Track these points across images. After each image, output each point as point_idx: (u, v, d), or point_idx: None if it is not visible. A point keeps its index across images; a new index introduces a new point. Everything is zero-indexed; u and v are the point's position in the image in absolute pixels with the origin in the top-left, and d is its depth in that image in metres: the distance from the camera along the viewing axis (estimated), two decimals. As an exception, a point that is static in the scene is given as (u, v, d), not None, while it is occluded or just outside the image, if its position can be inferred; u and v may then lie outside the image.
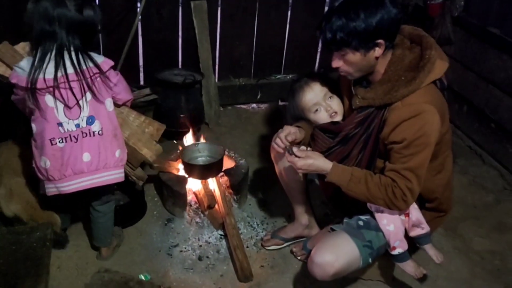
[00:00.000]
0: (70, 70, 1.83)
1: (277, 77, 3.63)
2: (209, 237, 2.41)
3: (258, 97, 3.61)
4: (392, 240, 1.88)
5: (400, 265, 1.94)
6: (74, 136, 1.89)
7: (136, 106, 3.02)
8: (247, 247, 2.35)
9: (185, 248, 2.35)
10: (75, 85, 1.84)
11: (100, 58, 1.93)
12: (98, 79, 1.91)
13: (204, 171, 2.46)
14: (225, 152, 2.58)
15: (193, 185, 2.52)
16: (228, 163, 2.61)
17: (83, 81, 1.85)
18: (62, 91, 1.83)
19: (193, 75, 3.03)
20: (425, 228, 1.91)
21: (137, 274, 2.13)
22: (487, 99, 3.07)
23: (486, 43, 3.03)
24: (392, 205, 1.76)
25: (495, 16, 2.99)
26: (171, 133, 3.06)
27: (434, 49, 1.70)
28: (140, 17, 2.94)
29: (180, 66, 3.33)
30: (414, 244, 1.96)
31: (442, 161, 1.88)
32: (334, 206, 2.09)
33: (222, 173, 2.54)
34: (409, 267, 1.93)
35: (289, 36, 3.50)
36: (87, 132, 1.91)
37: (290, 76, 3.63)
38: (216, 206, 2.41)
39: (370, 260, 1.90)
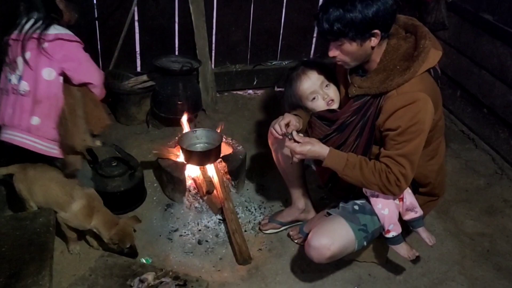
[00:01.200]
0: (16, 31, 2.07)
1: (273, 63, 3.64)
2: (208, 222, 2.45)
3: (255, 83, 3.62)
4: (386, 224, 1.93)
5: (394, 248, 1.99)
6: (6, 90, 2.11)
7: (134, 92, 3.05)
8: (245, 231, 2.40)
9: (185, 232, 2.39)
10: (13, 44, 2.07)
11: (55, 30, 2.06)
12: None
13: (203, 158, 2.48)
14: (223, 138, 2.61)
15: (192, 171, 2.55)
16: (225, 149, 2.64)
17: (20, 43, 2.04)
18: (7, 47, 2.09)
19: (190, 62, 3.03)
20: (418, 212, 1.96)
21: (139, 258, 2.17)
22: (480, 85, 3.10)
23: (480, 29, 3.04)
24: (386, 190, 1.80)
25: (488, 2, 3.00)
26: (169, 119, 3.09)
27: (428, 39, 1.72)
28: (136, 4, 2.94)
29: (176, 53, 3.34)
30: (407, 227, 2.01)
31: (435, 147, 1.92)
32: (330, 191, 2.13)
33: (220, 159, 2.57)
34: (402, 250, 1.98)
35: (285, 21, 3.49)
36: (16, 89, 2.08)
37: (286, 62, 3.64)
38: (215, 191, 2.44)
39: (365, 243, 1.95)
